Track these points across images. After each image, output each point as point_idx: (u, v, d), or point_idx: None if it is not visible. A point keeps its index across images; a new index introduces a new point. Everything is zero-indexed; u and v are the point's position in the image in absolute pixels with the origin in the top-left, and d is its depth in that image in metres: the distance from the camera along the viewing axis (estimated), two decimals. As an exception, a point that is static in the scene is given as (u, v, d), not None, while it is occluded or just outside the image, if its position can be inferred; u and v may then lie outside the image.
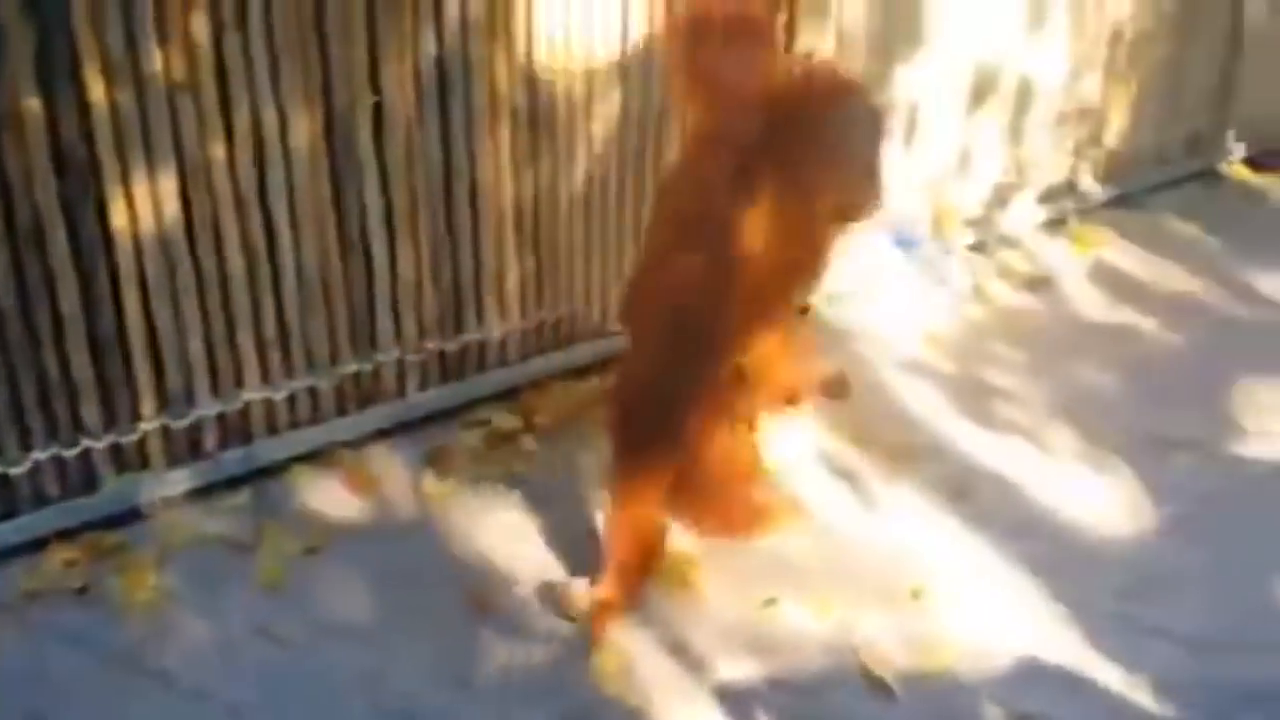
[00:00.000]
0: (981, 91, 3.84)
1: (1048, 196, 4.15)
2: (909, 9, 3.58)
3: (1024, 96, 3.94)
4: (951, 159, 3.88)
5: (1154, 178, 4.34)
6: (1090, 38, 4.00)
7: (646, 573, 2.77)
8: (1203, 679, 2.71)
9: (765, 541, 2.96)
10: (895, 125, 3.68)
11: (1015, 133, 3.98)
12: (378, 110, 2.88)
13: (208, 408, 2.97)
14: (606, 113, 3.17)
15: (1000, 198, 4.04)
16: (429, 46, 2.88)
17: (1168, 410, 3.43)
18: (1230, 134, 4.49)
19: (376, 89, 2.86)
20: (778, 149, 2.40)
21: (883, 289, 3.79)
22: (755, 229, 2.43)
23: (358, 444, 3.17)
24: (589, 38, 3.07)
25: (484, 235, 3.14)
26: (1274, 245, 4.15)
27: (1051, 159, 4.10)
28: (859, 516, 3.08)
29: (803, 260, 2.57)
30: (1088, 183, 4.21)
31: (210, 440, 3.01)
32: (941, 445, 3.29)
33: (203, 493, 3.02)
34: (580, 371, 3.40)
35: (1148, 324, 3.78)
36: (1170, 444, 3.31)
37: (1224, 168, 4.50)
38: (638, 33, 3.12)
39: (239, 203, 2.82)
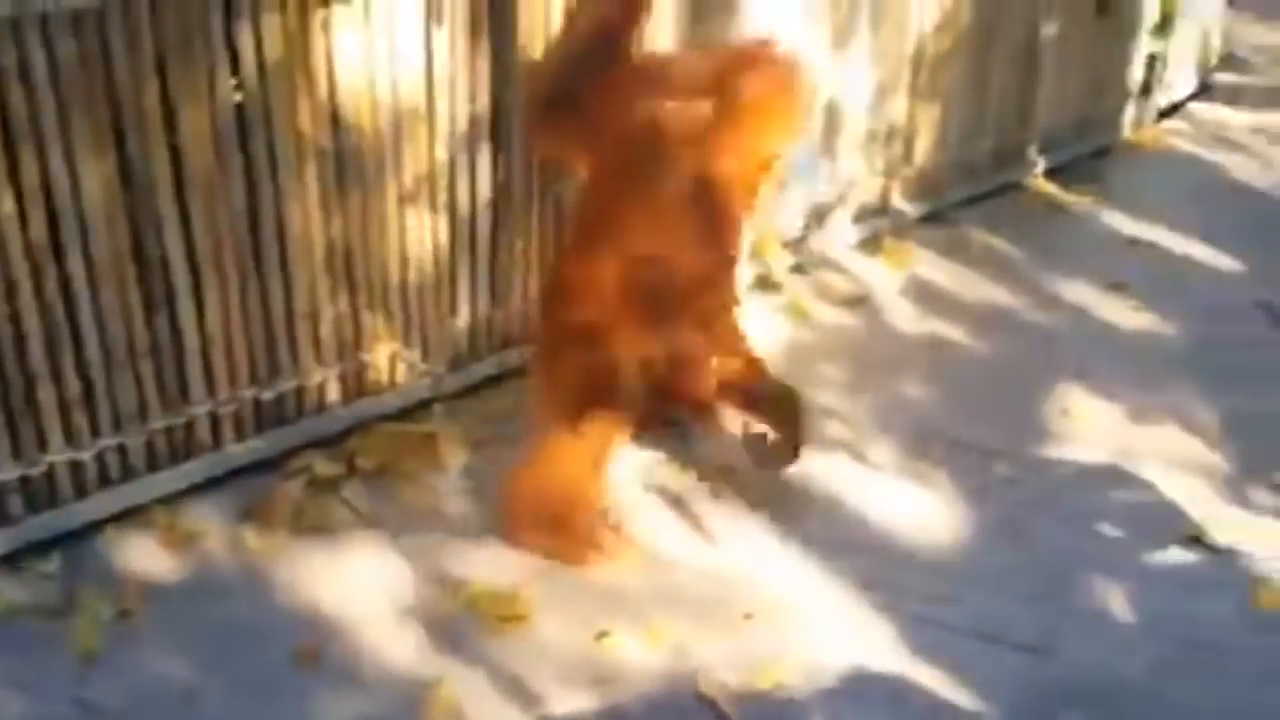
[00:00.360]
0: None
1: (862, 216, 4.24)
2: (714, 32, 3.62)
3: (833, 118, 4.02)
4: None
5: (961, 193, 4.47)
6: (893, 59, 4.11)
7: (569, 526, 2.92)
8: (1024, 680, 2.78)
9: (596, 573, 2.96)
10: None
11: (826, 153, 4.06)
12: (176, 157, 2.81)
13: (9, 472, 2.85)
14: (416, 151, 3.15)
15: (816, 219, 4.12)
16: (226, 91, 2.82)
17: (982, 419, 3.53)
18: (1032, 148, 4.66)
19: (173, 135, 2.78)
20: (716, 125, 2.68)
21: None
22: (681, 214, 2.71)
23: (173, 500, 3.07)
24: (394, 76, 3.04)
25: (295, 278, 3.08)
26: (1075, 254, 4.31)
27: (863, 179, 4.20)
28: (688, 542, 3.09)
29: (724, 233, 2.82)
30: (899, 201, 4.32)
31: (15, 505, 2.89)
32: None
33: (10, 560, 2.89)
34: (403, 413, 3.36)
35: (960, 336, 3.88)
36: (986, 452, 3.40)
37: (1027, 181, 4.66)
38: (443, 69, 3.10)
39: (32, 259, 2.71)
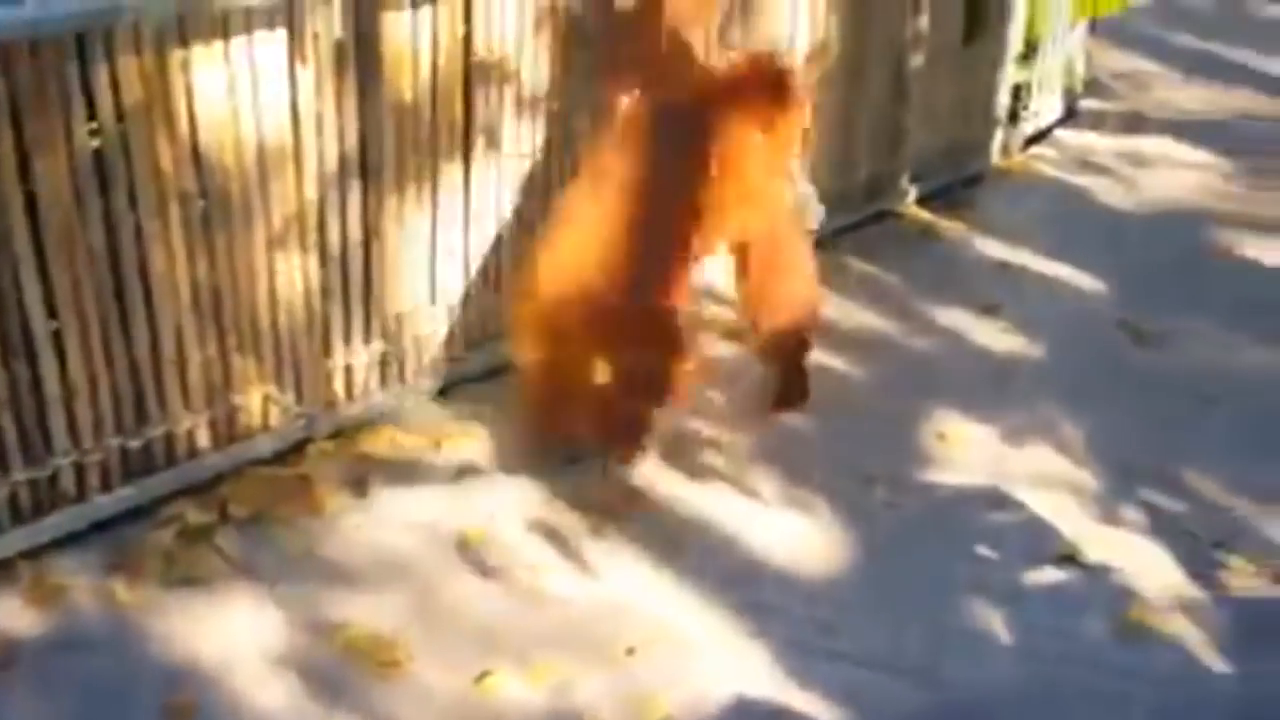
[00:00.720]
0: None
1: (738, 246, 4.27)
2: (588, 68, 3.64)
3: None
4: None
5: (837, 221, 4.51)
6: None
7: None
8: (906, 704, 2.80)
9: (471, 613, 2.93)
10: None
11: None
12: (32, 203, 2.73)
13: None
14: (283, 190, 3.10)
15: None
16: (83, 137, 2.75)
17: (861, 445, 3.56)
18: (904, 177, 4.74)
19: (28, 183, 2.71)
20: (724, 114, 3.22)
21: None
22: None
23: (37, 554, 2.98)
24: (258, 115, 3.00)
25: (161, 323, 3.01)
26: (949, 279, 4.39)
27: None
28: (570, 578, 3.07)
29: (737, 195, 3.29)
30: (775, 230, 4.36)
31: None
32: (651, 501, 3.32)
33: None
34: (277, 456, 3.30)
35: (839, 363, 3.92)
36: (864, 477, 3.44)
37: (901, 209, 4.74)
38: (309, 107, 3.07)
39: (-120, 308, 2.63)
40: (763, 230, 3.45)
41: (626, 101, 3.30)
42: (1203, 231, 4.79)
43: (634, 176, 3.15)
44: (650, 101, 3.25)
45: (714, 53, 3.69)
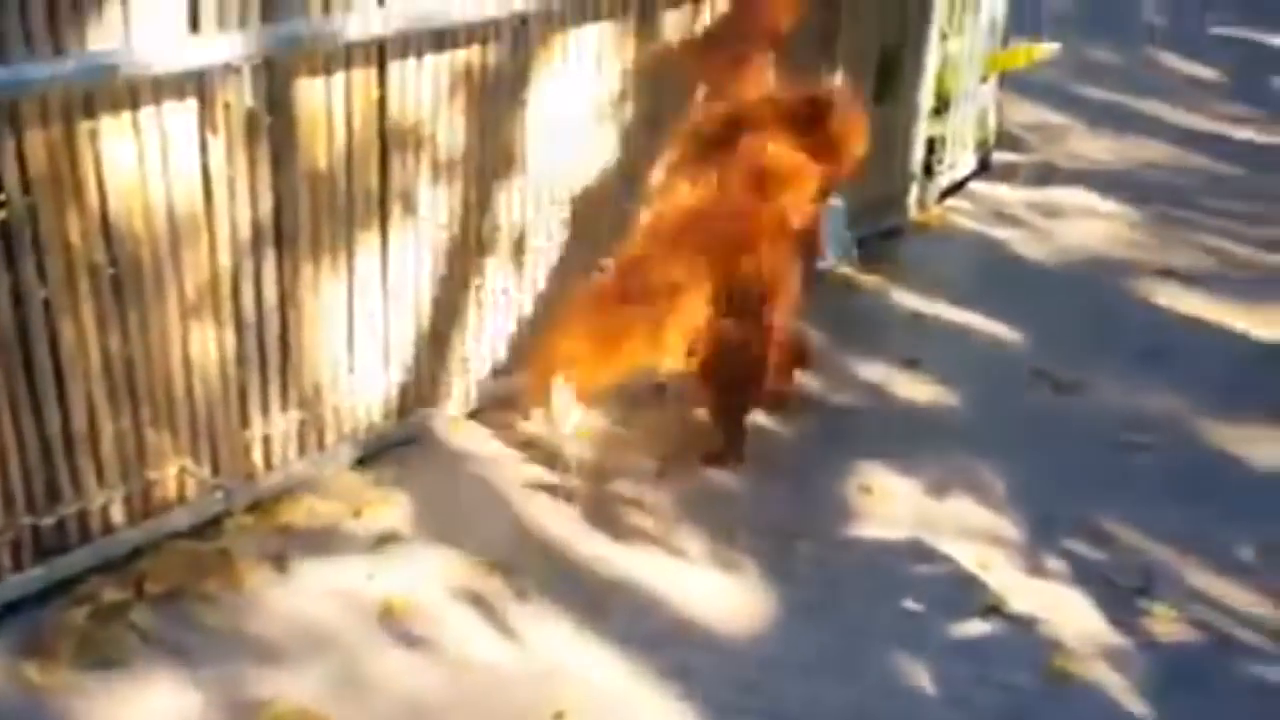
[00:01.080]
0: (581, 207, 3.94)
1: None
2: (504, 131, 3.65)
3: (621, 210, 4.06)
4: (566, 279, 3.95)
5: (758, 278, 4.55)
6: (682, 151, 4.18)
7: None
8: (837, 763, 2.80)
9: (398, 684, 2.88)
10: (505, 249, 3.73)
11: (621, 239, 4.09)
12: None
13: None
14: (196, 259, 3.07)
15: (615, 309, 4.14)
16: (-11, 206, 2.71)
17: (786, 502, 3.57)
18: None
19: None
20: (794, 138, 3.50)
21: (508, 410, 3.81)
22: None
23: (-55, 638, 2.90)
24: (168, 184, 2.96)
25: (72, 397, 2.96)
26: (871, 333, 4.43)
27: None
28: (496, 644, 3.04)
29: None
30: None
31: None
32: (576, 563, 3.30)
33: None
34: (195, 530, 3.24)
35: (763, 419, 3.93)
36: (790, 534, 3.44)
37: (819, 263, 4.77)
38: (221, 175, 3.04)
39: None
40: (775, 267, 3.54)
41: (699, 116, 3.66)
42: (1115, 279, 4.87)
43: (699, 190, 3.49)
44: (717, 119, 3.57)
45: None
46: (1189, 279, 4.87)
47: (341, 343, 3.45)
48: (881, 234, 5.03)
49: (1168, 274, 4.90)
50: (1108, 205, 5.43)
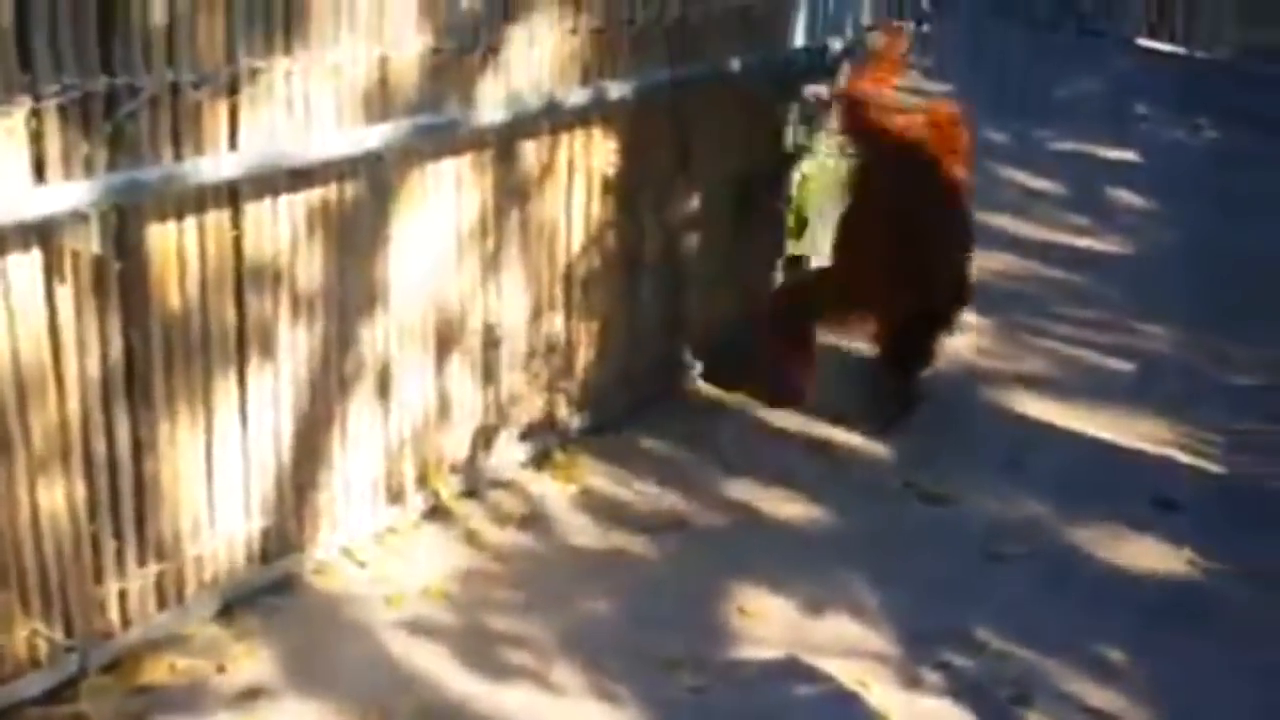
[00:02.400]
0: (448, 340, 3.92)
1: (529, 433, 4.26)
2: (365, 267, 3.62)
3: (492, 339, 4.05)
4: (431, 409, 3.91)
5: (626, 402, 4.56)
6: (547, 280, 4.20)
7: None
8: None
9: None
10: (369, 384, 3.69)
11: (489, 376, 4.08)
12: None
13: None
14: (44, 413, 2.96)
15: (483, 441, 4.11)
16: None
17: (663, 628, 3.53)
18: (689, 351, 4.82)
19: None
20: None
21: (373, 548, 3.73)
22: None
23: None
24: (13, 337, 2.87)
25: (-88, 563, 2.82)
26: (740, 454, 4.44)
27: (528, 397, 4.23)
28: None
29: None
30: (566, 415, 4.37)
31: None
32: (451, 704, 3.21)
33: None
34: (49, 695, 3.08)
35: (637, 546, 3.91)
36: (668, 661, 3.40)
37: (688, 384, 4.81)
38: (70, 326, 2.96)
39: None
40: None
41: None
42: (974, 389, 4.99)
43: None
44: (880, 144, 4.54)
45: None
46: (1042, 385, 5.01)
47: (200, 490, 3.35)
48: (745, 354, 5.06)
49: (1022, 381, 5.03)
50: (963, 317, 5.56)
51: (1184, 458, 4.57)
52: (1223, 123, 8.19)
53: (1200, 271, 6.11)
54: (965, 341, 5.36)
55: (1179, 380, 5.12)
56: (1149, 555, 4.00)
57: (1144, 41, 9.64)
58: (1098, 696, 3.36)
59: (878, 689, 3.34)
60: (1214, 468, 4.52)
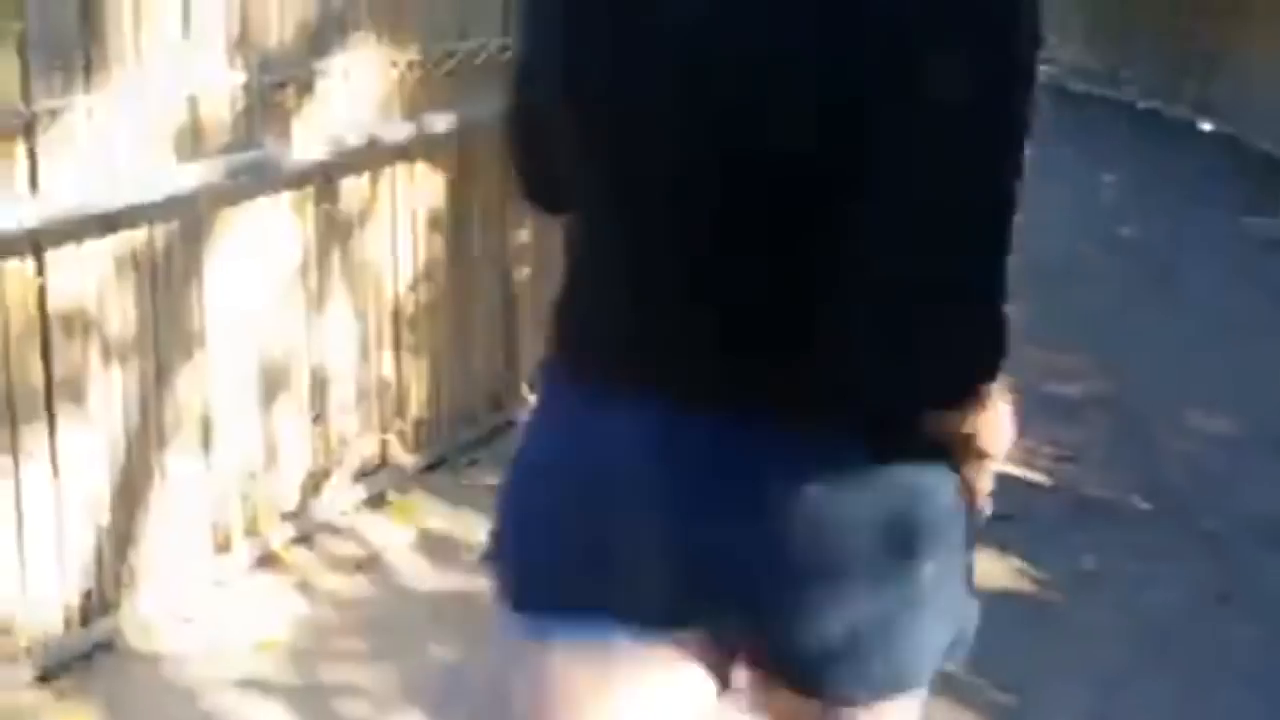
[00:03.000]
0: (273, 383, 3.81)
1: (362, 475, 4.16)
2: (181, 312, 3.50)
3: (319, 381, 3.95)
4: (258, 455, 3.79)
5: (462, 438, 4.49)
6: (374, 317, 4.12)
7: None
8: None
9: None
10: (190, 432, 3.56)
11: (319, 418, 3.97)
12: None
13: None
14: None
15: (314, 486, 4.00)
16: None
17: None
18: (523, 384, 4.77)
19: None
20: None
21: (201, 602, 3.59)
22: None
23: None
24: None
25: None
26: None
27: (359, 438, 4.13)
28: None
29: None
30: (400, 455, 4.28)
31: None
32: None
33: None
34: None
35: (476, 585, 3.81)
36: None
37: (525, 417, 4.75)
38: None
39: None
40: None
41: None
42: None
43: None
44: None
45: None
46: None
47: (10, 553, 3.18)
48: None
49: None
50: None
51: (1016, 471, 4.67)
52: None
53: (1029, 290, 6.28)
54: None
55: (1013, 394, 5.23)
56: (981, 564, 4.05)
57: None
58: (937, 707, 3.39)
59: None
60: (1043, 479, 4.64)
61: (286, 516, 3.91)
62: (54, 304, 3.19)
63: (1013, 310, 1.46)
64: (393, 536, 4.04)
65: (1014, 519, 4.31)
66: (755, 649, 1.56)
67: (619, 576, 1.52)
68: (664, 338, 1.52)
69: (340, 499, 4.07)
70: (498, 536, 1.68)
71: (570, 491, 1.57)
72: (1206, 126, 9.77)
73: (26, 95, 3.04)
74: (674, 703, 1.58)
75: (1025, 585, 4.01)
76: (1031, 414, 4.99)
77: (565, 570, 1.57)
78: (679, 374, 1.50)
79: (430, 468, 4.36)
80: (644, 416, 1.50)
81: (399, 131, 4.02)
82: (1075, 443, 4.88)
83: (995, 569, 4.04)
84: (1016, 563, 4.08)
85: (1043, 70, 1.47)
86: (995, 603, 3.80)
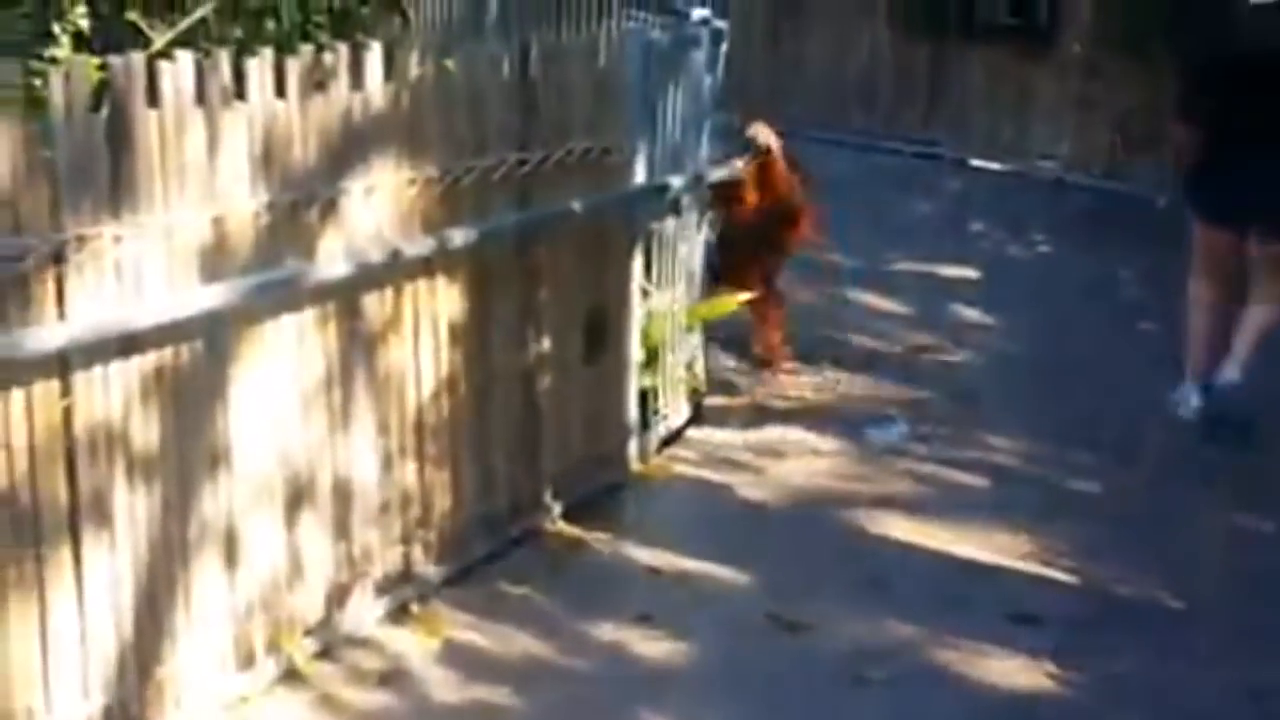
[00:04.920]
0: (297, 497, 3.84)
1: (385, 587, 4.16)
2: (205, 429, 3.54)
3: (343, 494, 3.98)
4: (281, 570, 3.81)
5: (485, 548, 4.50)
6: (397, 429, 4.15)
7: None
8: None
9: None
10: (214, 548, 3.58)
11: (341, 531, 3.99)
12: None
13: None
14: None
15: (338, 599, 4.00)
16: None
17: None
18: (547, 494, 4.78)
19: None
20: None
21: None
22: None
23: None
24: None
25: None
26: (602, 593, 4.41)
27: (382, 550, 4.14)
28: None
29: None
30: (423, 566, 4.29)
31: None
32: None
33: None
34: None
35: (503, 697, 3.82)
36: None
37: (547, 526, 4.76)
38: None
39: None
40: None
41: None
42: (836, 514, 5.02)
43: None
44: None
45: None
46: (900, 505, 5.06)
47: (34, 671, 3.20)
48: (605, 490, 5.06)
49: (883, 503, 5.08)
50: (822, 442, 5.63)
51: (1041, 571, 4.64)
52: (1055, 237, 8.55)
53: (1039, 381, 6.31)
54: (827, 466, 5.42)
55: (1030, 491, 5.23)
56: (1011, 670, 4.03)
57: (977, 161, 10.05)
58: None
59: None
60: (1070, 579, 4.60)
61: (309, 631, 3.91)
62: (79, 424, 3.24)
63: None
64: (415, 649, 4.04)
65: (1042, 621, 4.31)
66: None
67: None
68: None
69: (363, 612, 4.07)
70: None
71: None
72: None
73: (56, 222, 3.12)
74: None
75: (1055, 689, 3.98)
76: (1053, 510, 4.92)
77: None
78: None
79: (453, 578, 4.36)
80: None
81: (420, 246, 4.09)
82: (1100, 538, 4.85)
83: (1024, 675, 4.01)
84: (1048, 666, 4.04)
85: None
86: (1025, 709, 3.84)
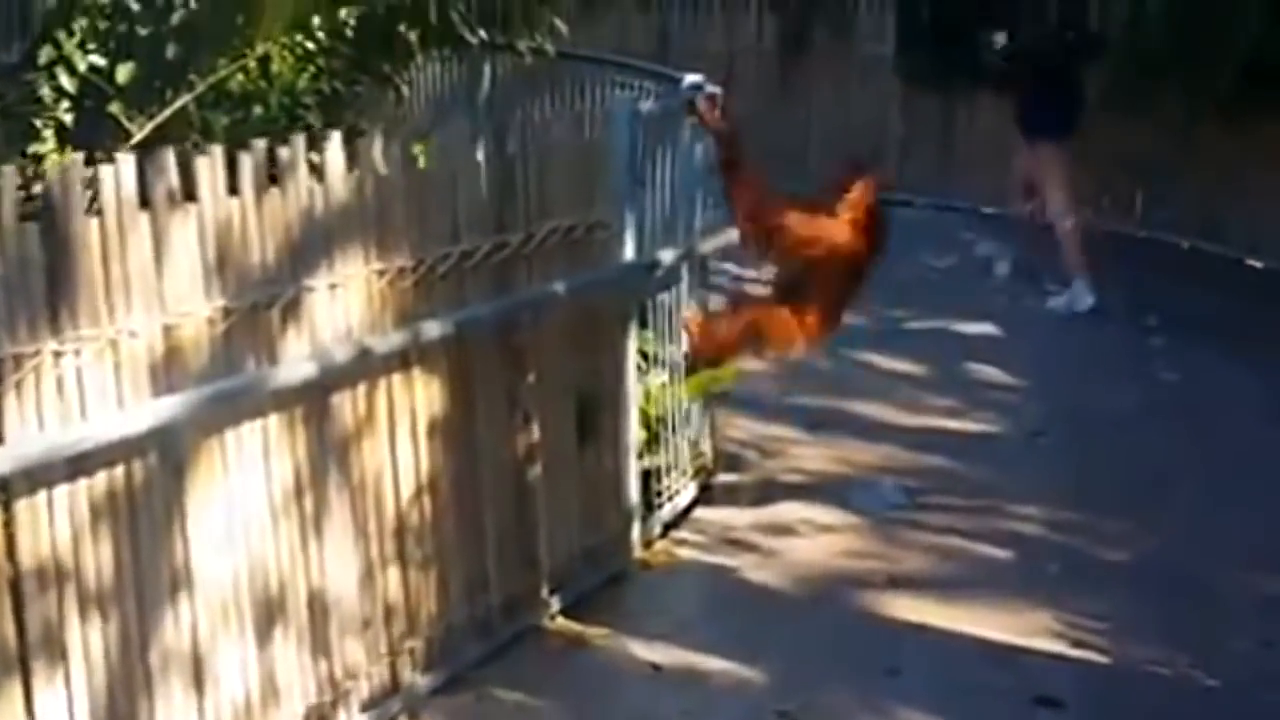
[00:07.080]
0: (268, 615, 3.63)
1: (371, 703, 3.94)
2: (164, 549, 3.35)
3: (319, 608, 3.77)
4: (254, 693, 3.60)
5: (477, 651, 4.27)
6: (376, 534, 3.95)
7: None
8: None
9: None
10: (179, 676, 3.38)
11: (320, 646, 3.78)
12: None
13: None
14: None
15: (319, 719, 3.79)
16: None
17: None
18: (543, 589, 4.56)
19: None
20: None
21: None
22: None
23: None
24: None
25: None
26: (602, 693, 4.18)
27: (366, 664, 3.93)
28: None
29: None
30: (411, 676, 4.06)
31: None
32: None
33: None
34: None
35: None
36: None
37: (545, 623, 4.53)
38: None
39: None
40: None
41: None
42: (848, 596, 4.78)
43: None
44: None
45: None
46: (917, 584, 4.81)
47: None
48: (606, 580, 4.83)
49: (898, 583, 4.83)
50: (834, 517, 5.39)
51: (1066, 649, 4.38)
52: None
53: (1065, 445, 6.05)
54: (837, 544, 5.18)
55: (1057, 564, 4.97)
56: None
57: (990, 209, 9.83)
58: None
59: None
60: (1097, 658, 4.33)
61: (287, 756, 3.70)
62: (24, 552, 3.06)
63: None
64: (402, 765, 3.82)
65: (1066, 706, 4.05)
66: None
67: None
68: None
69: (348, 731, 3.86)
70: None
71: None
72: None
73: (-13, 343, 2.96)
74: None
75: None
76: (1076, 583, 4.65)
77: None
78: None
79: (445, 686, 4.13)
80: None
81: (391, 341, 3.90)
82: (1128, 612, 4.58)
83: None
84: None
85: None
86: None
